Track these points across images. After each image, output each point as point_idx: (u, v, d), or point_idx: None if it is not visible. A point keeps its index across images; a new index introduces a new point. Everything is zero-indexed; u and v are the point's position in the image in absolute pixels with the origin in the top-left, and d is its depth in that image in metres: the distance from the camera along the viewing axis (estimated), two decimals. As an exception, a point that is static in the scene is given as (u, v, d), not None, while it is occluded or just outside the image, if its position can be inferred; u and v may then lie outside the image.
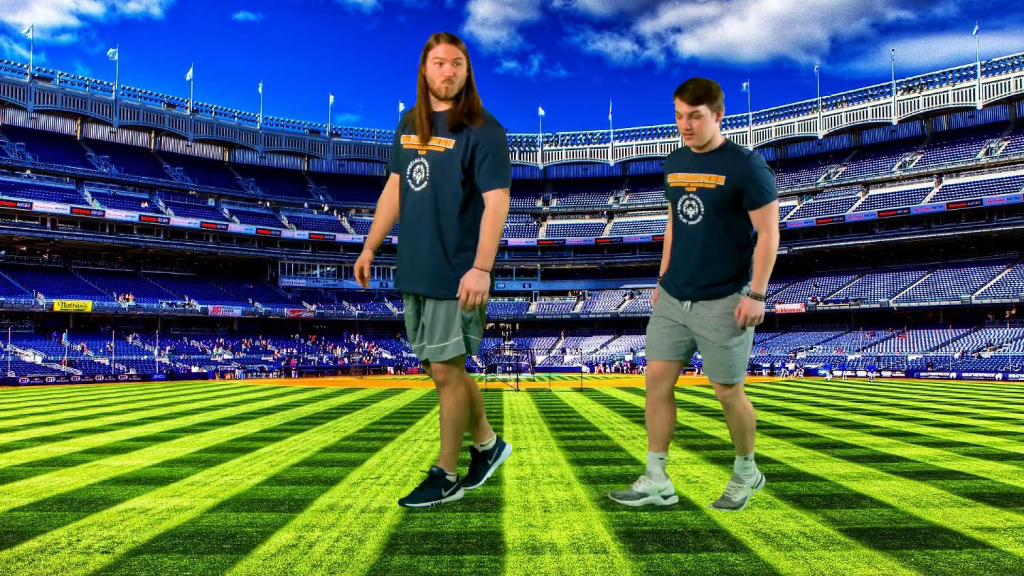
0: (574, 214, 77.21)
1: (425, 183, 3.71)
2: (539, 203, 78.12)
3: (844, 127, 67.62)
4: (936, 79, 62.64)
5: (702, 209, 3.90)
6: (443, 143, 3.67)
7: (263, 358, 57.55)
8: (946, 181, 59.53)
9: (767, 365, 53.22)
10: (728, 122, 73.60)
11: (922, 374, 46.65)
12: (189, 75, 68.68)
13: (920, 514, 4.89)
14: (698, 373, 53.93)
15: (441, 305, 3.72)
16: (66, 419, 14.55)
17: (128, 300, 55.81)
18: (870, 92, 66.27)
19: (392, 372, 58.15)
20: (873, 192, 62.77)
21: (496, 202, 3.68)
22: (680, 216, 4.02)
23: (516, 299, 73.92)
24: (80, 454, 8.55)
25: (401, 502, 4.14)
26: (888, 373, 48.13)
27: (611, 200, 76.37)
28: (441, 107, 3.73)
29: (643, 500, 4.31)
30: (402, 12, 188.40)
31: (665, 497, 4.37)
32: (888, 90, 64.59)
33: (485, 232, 3.67)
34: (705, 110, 3.79)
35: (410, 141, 3.77)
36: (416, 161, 3.74)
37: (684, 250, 4.05)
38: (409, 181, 3.76)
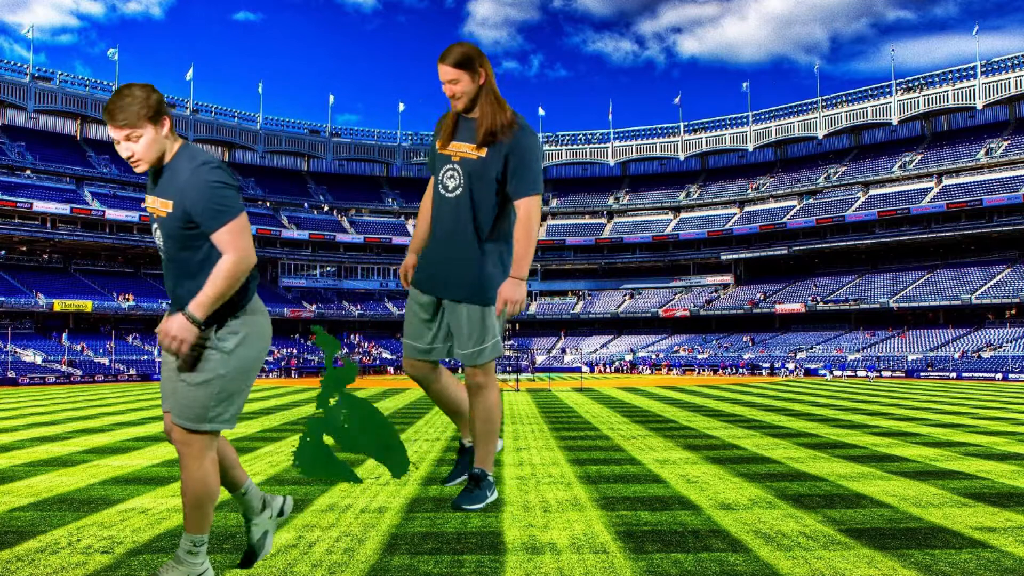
0: (574, 214, 77.20)
1: (459, 190, 3.72)
2: (539, 203, 78.14)
3: (844, 127, 67.60)
4: (936, 79, 62.63)
5: (162, 243, 3.27)
6: (476, 151, 3.69)
7: (263, 358, 57.54)
8: (946, 181, 59.54)
9: (767, 365, 53.22)
10: (728, 122, 73.63)
11: (922, 374, 46.63)
12: (189, 75, 68.76)
13: (920, 514, 4.89)
14: (698, 372, 53.93)
15: (475, 310, 3.74)
16: (66, 419, 14.54)
17: (128, 300, 55.81)
18: (870, 92, 66.26)
19: (392, 372, 58.13)
20: (873, 192, 62.77)
21: (528, 210, 3.66)
22: (159, 248, 3.35)
23: (516, 299, 73.92)
24: (80, 454, 8.54)
25: (454, 505, 4.06)
26: (888, 373, 48.12)
27: (611, 200, 76.37)
28: (474, 114, 3.74)
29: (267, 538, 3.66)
30: (402, 12, 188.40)
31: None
32: (888, 90, 64.59)
33: (519, 241, 3.67)
34: (145, 127, 3.13)
35: (441, 146, 3.81)
36: (449, 167, 3.76)
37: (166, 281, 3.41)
38: (441, 187, 3.78)
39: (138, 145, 3.14)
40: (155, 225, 3.35)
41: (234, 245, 3.19)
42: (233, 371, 3.29)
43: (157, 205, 3.23)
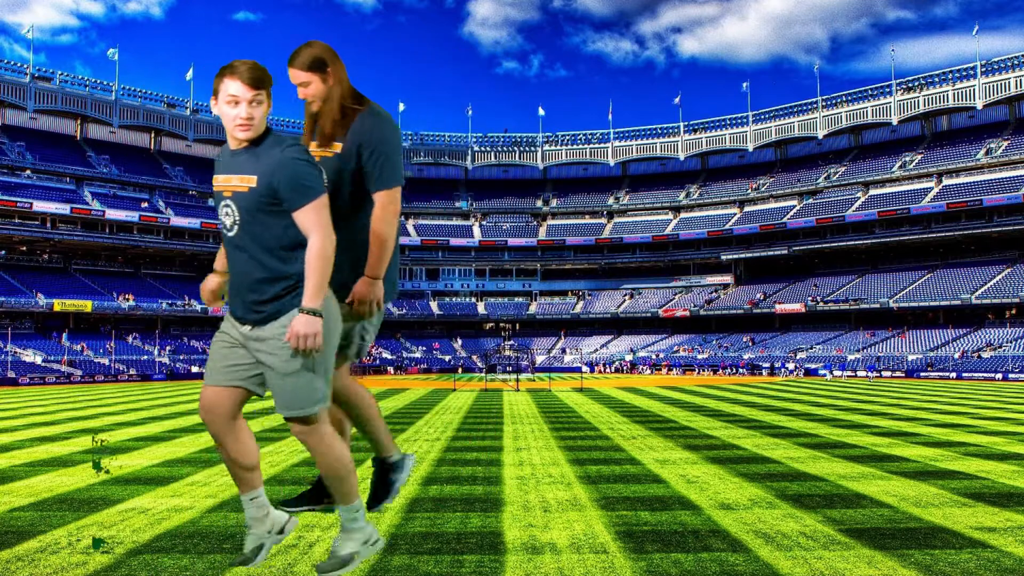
0: (574, 214, 77.18)
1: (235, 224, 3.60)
2: (539, 203, 78.13)
3: (844, 127, 67.58)
4: (936, 79, 62.62)
5: (238, 217, 3.32)
6: (326, 149, 3.50)
7: (263, 358, 57.54)
8: (946, 181, 59.53)
9: (767, 365, 53.23)
10: (728, 122, 73.63)
11: (922, 374, 46.62)
12: (189, 75, 68.72)
13: (920, 514, 4.89)
14: (698, 372, 53.97)
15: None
16: (66, 419, 14.54)
17: (128, 300, 55.81)
18: (870, 92, 66.23)
19: (392, 372, 58.14)
20: (873, 192, 62.76)
21: (383, 204, 3.47)
22: (221, 227, 3.44)
23: (516, 299, 73.93)
24: (80, 454, 8.54)
25: (370, 507, 3.71)
26: (888, 373, 48.11)
27: (611, 200, 76.36)
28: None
29: (263, 554, 3.51)
30: (402, 12, 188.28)
31: (279, 532, 3.60)
32: (888, 90, 64.57)
33: (374, 237, 3.47)
34: (266, 98, 3.27)
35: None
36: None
37: (230, 265, 3.47)
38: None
39: (258, 112, 3.20)
40: (225, 204, 3.34)
41: (318, 223, 3.24)
42: (324, 350, 3.33)
43: (235, 181, 3.28)
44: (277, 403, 3.28)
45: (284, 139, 3.32)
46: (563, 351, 66.97)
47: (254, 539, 3.46)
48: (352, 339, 3.59)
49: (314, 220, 3.20)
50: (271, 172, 3.18)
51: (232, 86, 3.08)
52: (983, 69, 60.05)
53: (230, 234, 3.30)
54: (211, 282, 3.56)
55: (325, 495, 3.65)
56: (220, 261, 3.53)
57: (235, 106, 3.09)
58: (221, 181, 3.31)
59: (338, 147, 3.46)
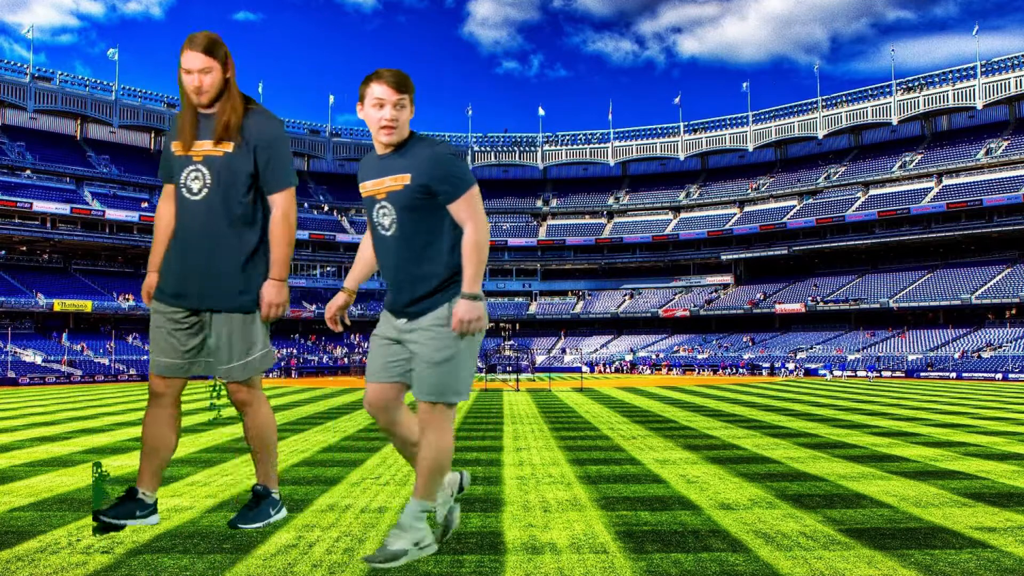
0: (574, 214, 77.19)
1: (206, 190, 3.45)
2: (539, 203, 78.14)
3: (844, 127, 67.60)
4: (936, 79, 62.63)
5: (395, 216, 3.44)
6: (219, 147, 3.42)
7: (263, 358, 57.55)
8: (946, 181, 59.53)
9: (767, 365, 53.22)
10: (728, 122, 73.64)
11: (922, 374, 46.62)
12: (189, 75, 68.48)
13: (920, 514, 4.89)
14: (698, 372, 53.93)
15: (238, 319, 3.49)
16: (66, 419, 14.54)
17: (128, 300, 55.79)
18: (870, 92, 66.25)
19: (392, 372, 58.06)
20: (873, 192, 62.77)
21: (284, 205, 3.48)
22: (378, 228, 3.54)
23: (516, 299, 73.93)
24: (80, 454, 8.55)
25: (230, 524, 3.64)
26: (888, 373, 48.12)
27: (611, 200, 76.36)
28: (213, 109, 3.48)
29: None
30: (402, 12, 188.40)
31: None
32: (888, 90, 64.58)
33: (277, 239, 3.47)
34: (408, 99, 3.34)
35: (180, 148, 3.52)
36: (192, 168, 3.47)
37: (388, 265, 3.58)
38: (184, 190, 3.48)
39: (402, 115, 3.34)
40: (381, 206, 3.45)
41: (472, 213, 3.35)
42: (467, 343, 3.43)
43: (389, 182, 3.39)
44: (419, 389, 3.44)
45: (429, 138, 3.44)
46: (563, 351, 66.91)
47: (443, 509, 3.65)
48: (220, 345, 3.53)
49: (469, 210, 3.33)
50: (425, 169, 3.31)
51: (377, 89, 3.23)
52: (983, 69, 60.00)
53: (388, 233, 3.46)
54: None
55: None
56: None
57: (380, 108, 3.23)
58: (372, 185, 3.45)
59: (228, 146, 3.40)
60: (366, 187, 3.49)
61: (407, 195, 3.35)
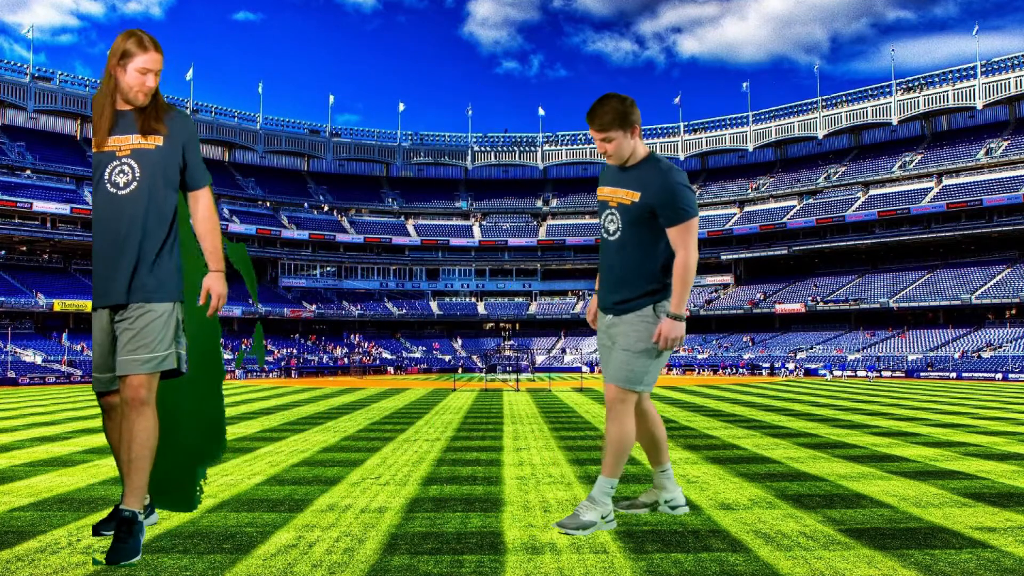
0: (574, 214, 77.20)
1: (134, 184, 3.43)
2: (539, 203, 78.14)
3: (844, 127, 67.62)
4: (936, 79, 62.65)
5: (620, 224, 3.86)
6: (152, 140, 3.45)
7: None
8: (946, 181, 59.53)
9: (767, 365, 53.21)
10: (728, 122, 73.66)
11: (922, 374, 46.63)
12: (189, 75, 68.72)
13: (920, 514, 4.89)
14: (698, 372, 53.92)
15: (156, 310, 3.44)
16: (66, 419, 14.54)
17: (128, 300, 55.88)
18: (870, 92, 66.27)
19: (392, 372, 58.14)
20: (873, 192, 62.77)
21: (209, 200, 3.59)
22: (602, 231, 4.00)
23: (516, 299, 73.94)
24: (80, 454, 8.55)
25: (108, 561, 3.36)
26: (888, 373, 48.12)
27: (611, 200, 76.46)
28: (126, 107, 3.49)
29: (644, 508, 4.41)
30: (402, 12, 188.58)
31: (673, 508, 4.41)
32: (888, 90, 64.59)
33: (207, 233, 3.55)
34: (616, 133, 3.79)
35: (100, 143, 3.50)
36: (117, 164, 3.44)
37: (605, 265, 4.00)
38: (109, 185, 3.44)
39: (611, 146, 3.78)
40: (610, 212, 3.85)
41: (686, 242, 3.70)
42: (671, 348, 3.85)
43: (621, 194, 3.79)
44: (611, 372, 3.85)
45: (665, 163, 3.78)
46: (563, 351, 66.95)
47: (651, 495, 4.34)
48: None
49: (684, 238, 3.69)
50: (655, 192, 3.69)
51: (591, 131, 3.84)
52: (983, 69, 60.02)
53: (611, 238, 3.85)
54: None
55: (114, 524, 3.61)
56: None
57: (598, 144, 3.86)
58: (607, 192, 3.88)
59: (159, 139, 3.48)
60: (602, 192, 3.94)
61: (633, 211, 3.75)
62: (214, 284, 3.52)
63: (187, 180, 3.56)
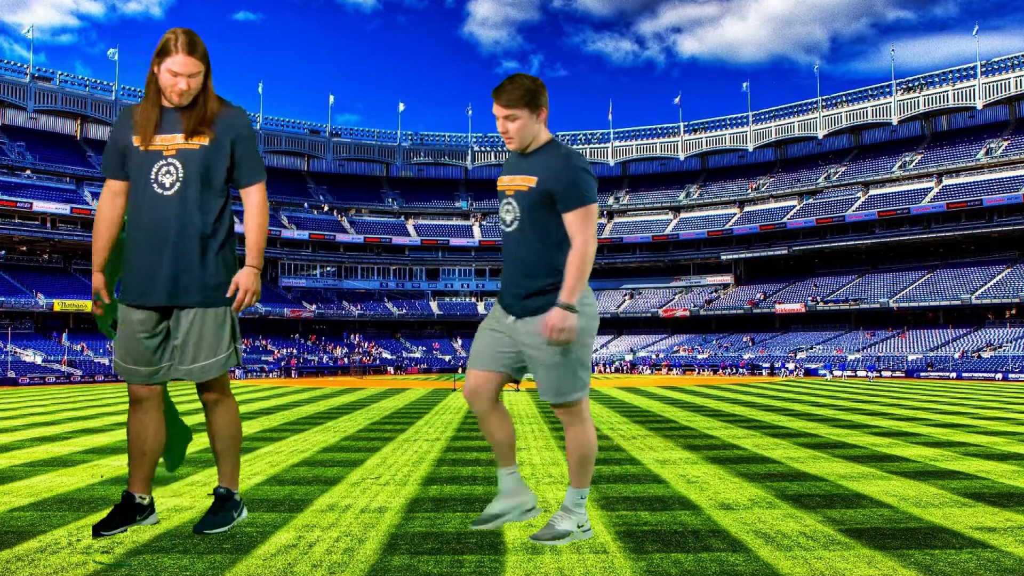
0: (574, 214, 77.18)
1: (178, 185, 3.43)
2: (539, 203, 78.16)
3: (844, 127, 67.61)
4: (936, 79, 62.63)
5: (518, 214, 3.55)
6: (197, 140, 3.44)
7: (263, 358, 57.53)
8: (946, 181, 59.52)
9: (767, 365, 53.20)
10: (728, 122, 73.64)
11: (922, 374, 46.63)
12: (189, 75, 68.49)
13: (920, 514, 4.89)
14: (698, 372, 53.93)
15: (209, 315, 3.48)
16: (66, 419, 14.55)
17: (128, 300, 55.87)
18: (870, 92, 66.25)
19: (392, 372, 58.13)
20: (873, 192, 62.75)
21: (260, 198, 3.55)
22: (501, 223, 3.67)
23: (516, 299, 73.91)
24: (80, 454, 8.55)
25: (195, 529, 3.84)
26: (888, 373, 48.12)
27: (611, 200, 76.36)
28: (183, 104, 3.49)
29: (500, 521, 3.89)
30: (402, 12, 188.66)
31: (525, 512, 3.94)
32: (888, 90, 64.58)
33: (253, 229, 3.51)
34: (522, 112, 3.48)
35: (144, 141, 3.49)
36: (163, 163, 3.45)
37: (505, 259, 3.69)
38: (156, 186, 3.45)
39: (513, 126, 3.49)
40: (508, 202, 3.59)
41: (584, 228, 3.44)
42: (584, 342, 3.54)
43: (518, 181, 3.55)
44: (542, 390, 3.62)
45: (565, 148, 3.58)
46: (563, 351, 66.73)
47: (499, 506, 3.83)
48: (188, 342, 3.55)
49: (581, 224, 3.44)
50: (553, 175, 3.46)
51: (495, 107, 3.51)
52: (983, 69, 60.01)
53: (510, 230, 3.58)
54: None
55: (134, 515, 3.78)
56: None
57: (499, 122, 3.54)
58: (506, 181, 3.63)
59: (204, 139, 3.45)
60: (501, 181, 3.68)
61: (530, 197, 3.49)
62: (243, 279, 3.47)
63: (236, 177, 3.53)
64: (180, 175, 3.42)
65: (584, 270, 3.44)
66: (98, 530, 3.83)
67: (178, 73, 3.37)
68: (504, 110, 3.48)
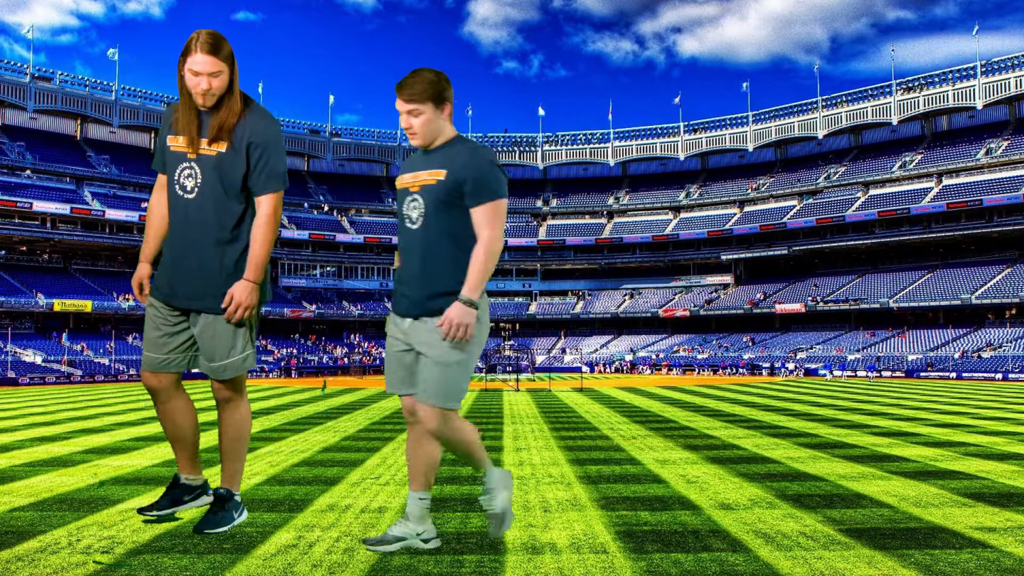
0: (574, 214, 77.17)
1: (197, 190, 3.42)
2: (539, 203, 78.10)
3: (844, 127, 67.58)
4: (936, 79, 62.60)
5: (424, 210, 3.40)
6: (215, 146, 3.39)
7: (263, 358, 57.54)
8: (946, 181, 59.50)
9: (767, 365, 53.20)
10: (728, 122, 73.61)
11: (922, 374, 46.62)
12: (189, 75, 68.56)
13: (920, 514, 4.89)
14: (698, 372, 53.92)
15: (221, 321, 3.47)
16: (66, 419, 14.54)
17: (128, 300, 55.78)
18: (870, 92, 66.23)
19: (392, 372, 58.02)
20: (873, 192, 62.74)
21: (270, 207, 3.45)
22: (403, 221, 3.51)
23: (516, 299, 73.90)
24: (80, 454, 8.55)
25: (195, 529, 3.78)
26: (888, 373, 48.11)
27: (611, 200, 76.34)
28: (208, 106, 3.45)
29: (399, 544, 3.65)
30: (402, 12, 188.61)
31: (425, 541, 3.66)
32: (888, 90, 64.56)
33: (257, 240, 3.44)
34: (426, 107, 3.35)
35: (177, 143, 3.46)
36: (186, 165, 3.43)
37: (406, 259, 3.53)
38: (178, 187, 3.45)
39: (416, 121, 3.37)
40: (413, 199, 3.43)
41: (492, 222, 3.34)
42: (475, 349, 3.41)
43: (424, 176, 3.41)
44: (422, 391, 3.38)
45: (473, 142, 3.49)
46: (563, 351, 66.86)
47: (400, 529, 3.64)
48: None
49: (489, 219, 3.33)
50: (461, 167, 3.35)
51: (398, 102, 3.37)
52: (983, 69, 59.97)
53: (414, 227, 3.42)
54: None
55: (183, 497, 3.79)
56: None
57: (403, 117, 3.40)
58: (408, 179, 3.48)
59: (222, 146, 3.39)
60: (403, 179, 3.51)
61: (439, 190, 3.35)
62: (238, 291, 3.41)
63: (249, 185, 3.44)
64: (199, 179, 3.42)
65: (489, 266, 3.32)
66: (143, 510, 3.86)
67: (199, 72, 3.33)
68: (407, 105, 3.34)
